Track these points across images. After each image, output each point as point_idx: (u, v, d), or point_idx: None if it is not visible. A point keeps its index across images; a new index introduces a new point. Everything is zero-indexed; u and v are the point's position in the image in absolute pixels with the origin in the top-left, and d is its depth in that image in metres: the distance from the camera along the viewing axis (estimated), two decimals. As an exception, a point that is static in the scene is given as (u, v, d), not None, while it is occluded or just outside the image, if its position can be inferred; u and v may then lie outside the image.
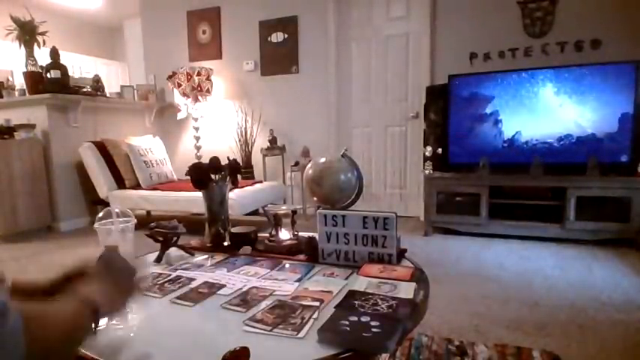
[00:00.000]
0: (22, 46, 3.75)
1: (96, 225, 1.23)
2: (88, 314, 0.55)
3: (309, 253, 1.17)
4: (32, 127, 3.55)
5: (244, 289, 0.95)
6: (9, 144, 3.40)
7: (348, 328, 0.71)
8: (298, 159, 3.91)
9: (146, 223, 1.28)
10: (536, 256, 2.63)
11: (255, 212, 3.51)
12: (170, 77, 4.25)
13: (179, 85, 4.17)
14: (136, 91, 4.59)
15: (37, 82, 3.61)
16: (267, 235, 1.32)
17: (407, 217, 3.83)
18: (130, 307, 0.74)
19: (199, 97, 4.18)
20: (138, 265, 0.74)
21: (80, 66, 6.06)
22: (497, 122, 3.14)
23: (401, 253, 1.15)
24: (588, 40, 3.16)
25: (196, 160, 3.85)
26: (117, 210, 1.24)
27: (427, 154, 3.30)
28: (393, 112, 3.90)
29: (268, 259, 1.19)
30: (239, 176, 1.45)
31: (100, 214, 1.25)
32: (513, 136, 3.11)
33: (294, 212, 1.33)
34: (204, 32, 4.52)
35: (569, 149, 2.96)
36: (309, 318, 0.77)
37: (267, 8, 4.18)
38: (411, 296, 0.86)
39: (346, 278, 1.01)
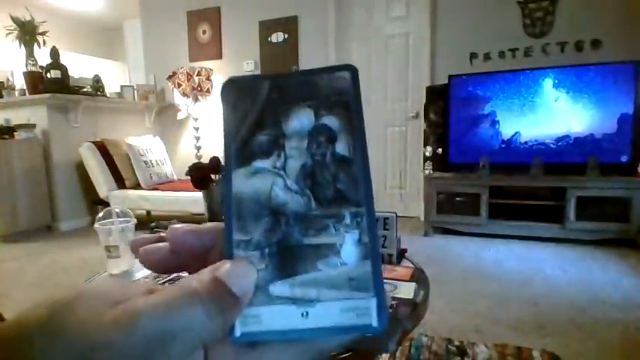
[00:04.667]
0: (22, 46, 3.75)
1: (96, 225, 1.23)
2: None
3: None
4: (32, 127, 3.55)
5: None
6: (9, 144, 3.40)
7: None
8: (298, 159, 3.91)
9: (146, 223, 1.28)
10: (536, 256, 2.63)
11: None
12: (170, 77, 4.25)
13: (179, 85, 4.17)
14: (136, 91, 4.59)
15: (37, 82, 3.61)
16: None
17: (407, 217, 3.82)
18: None
19: (199, 97, 4.18)
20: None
21: (80, 66, 6.05)
22: (497, 122, 3.13)
23: (401, 253, 1.15)
24: (588, 40, 3.16)
25: (196, 160, 3.85)
26: (117, 210, 1.24)
27: (427, 154, 3.30)
28: (393, 112, 3.89)
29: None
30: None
31: (100, 214, 1.25)
32: (513, 136, 3.11)
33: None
34: (204, 32, 4.52)
35: (569, 149, 2.96)
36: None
37: (267, 8, 4.18)
38: (411, 296, 0.86)
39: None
